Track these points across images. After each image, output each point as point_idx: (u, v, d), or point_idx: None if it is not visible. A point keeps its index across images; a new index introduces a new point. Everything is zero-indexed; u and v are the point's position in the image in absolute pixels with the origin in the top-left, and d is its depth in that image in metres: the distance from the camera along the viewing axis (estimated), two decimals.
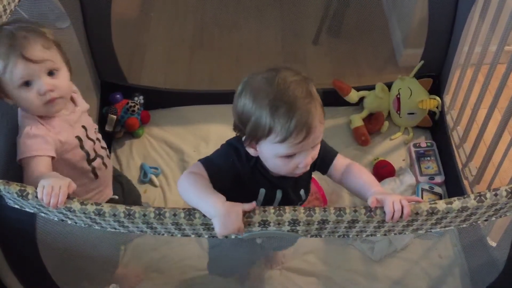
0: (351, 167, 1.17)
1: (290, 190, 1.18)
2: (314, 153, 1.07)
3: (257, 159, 1.12)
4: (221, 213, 0.96)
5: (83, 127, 1.32)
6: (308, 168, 1.08)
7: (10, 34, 1.14)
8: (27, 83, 1.16)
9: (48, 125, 1.22)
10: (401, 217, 0.96)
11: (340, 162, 1.18)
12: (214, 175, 1.08)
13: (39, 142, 1.18)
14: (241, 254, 1.35)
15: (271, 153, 1.05)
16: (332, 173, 1.19)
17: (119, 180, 1.55)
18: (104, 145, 1.41)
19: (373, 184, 1.11)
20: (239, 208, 0.97)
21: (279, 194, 1.17)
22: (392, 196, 0.98)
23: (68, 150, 1.26)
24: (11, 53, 1.13)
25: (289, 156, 1.04)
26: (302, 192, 1.22)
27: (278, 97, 0.99)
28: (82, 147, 1.30)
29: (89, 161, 1.32)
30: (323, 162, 1.18)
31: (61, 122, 1.25)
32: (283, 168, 1.07)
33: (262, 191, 1.14)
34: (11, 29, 1.15)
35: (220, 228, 0.96)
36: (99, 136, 1.40)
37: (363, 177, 1.13)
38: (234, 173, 1.12)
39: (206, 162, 1.10)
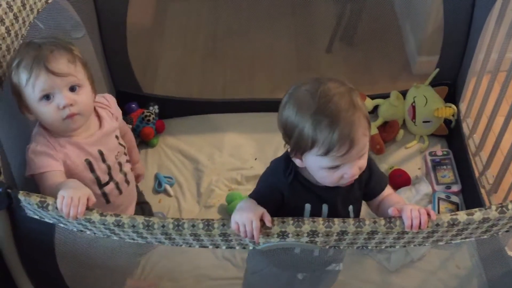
0: (389, 197, 1.15)
1: (339, 203, 1.15)
2: (361, 163, 1.05)
3: (296, 173, 1.11)
4: (244, 204, 1.02)
5: (100, 151, 1.27)
6: (354, 178, 1.06)
7: (36, 47, 1.15)
8: (47, 97, 1.15)
9: (58, 145, 1.20)
10: (419, 226, 0.96)
11: (385, 192, 1.17)
12: (262, 205, 1.08)
13: (45, 159, 1.17)
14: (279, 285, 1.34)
15: (316, 165, 1.04)
16: (373, 202, 1.18)
17: (142, 208, 1.50)
18: (127, 169, 1.36)
19: (400, 202, 1.10)
20: (262, 209, 1.00)
21: (325, 209, 1.14)
22: (411, 205, 0.99)
23: (75, 172, 1.23)
24: (35, 65, 1.13)
25: (334, 168, 1.03)
26: (351, 208, 1.17)
27: (321, 110, 0.99)
28: (92, 171, 1.26)
29: (100, 185, 1.28)
30: (374, 189, 1.16)
31: (73, 146, 1.22)
32: (328, 179, 1.06)
33: (308, 206, 1.12)
34: (39, 42, 1.16)
35: (235, 213, 0.98)
36: (123, 159, 1.34)
37: (394, 200, 1.13)
38: (279, 194, 1.11)
39: (253, 195, 1.13)
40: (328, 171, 1.04)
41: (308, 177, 1.11)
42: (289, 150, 1.08)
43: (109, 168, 1.29)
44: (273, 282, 1.33)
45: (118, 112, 1.38)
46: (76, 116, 1.18)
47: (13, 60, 1.16)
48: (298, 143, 1.03)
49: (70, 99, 1.16)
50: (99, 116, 1.29)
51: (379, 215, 1.15)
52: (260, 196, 1.10)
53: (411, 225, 0.96)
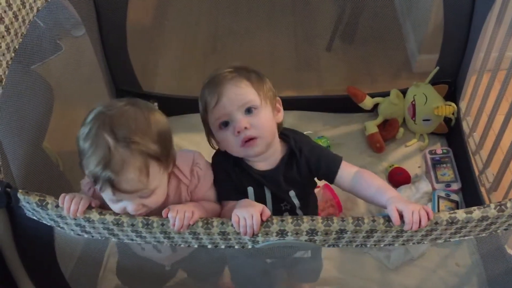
0: (361, 174, 1.14)
1: (275, 189, 1.17)
2: (254, 120, 1.11)
3: (236, 157, 1.18)
4: (242, 202, 1.05)
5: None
6: (245, 137, 1.11)
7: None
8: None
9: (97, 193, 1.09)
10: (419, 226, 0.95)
11: (347, 169, 1.16)
12: (227, 187, 1.18)
13: (86, 183, 1.14)
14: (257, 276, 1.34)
15: (213, 129, 1.15)
16: (340, 182, 1.17)
17: None
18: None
19: (387, 188, 1.09)
20: (261, 205, 1.01)
21: (268, 193, 1.17)
22: (412, 206, 0.96)
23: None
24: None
25: (225, 126, 1.12)
26: (292, 193, 1.18)
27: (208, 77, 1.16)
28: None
29: None
30: (329, 170, 1.17)
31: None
32: (226, 142, 1.14)
33: (250, 190, 1.17)
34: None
35: (236, 209, 1.00)
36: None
37: (375, 183, 1.11)
38: (227, 173, 1.18)
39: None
40: (222, 132, 1.13)
41: (247, 161, 1.17)
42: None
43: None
44: (250, 267, 1.33)
45: (205, 180, 1.19)
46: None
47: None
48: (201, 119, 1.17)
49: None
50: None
51: (357, 194, 1.15)
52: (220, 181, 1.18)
53: (411, 228, 0.95)
